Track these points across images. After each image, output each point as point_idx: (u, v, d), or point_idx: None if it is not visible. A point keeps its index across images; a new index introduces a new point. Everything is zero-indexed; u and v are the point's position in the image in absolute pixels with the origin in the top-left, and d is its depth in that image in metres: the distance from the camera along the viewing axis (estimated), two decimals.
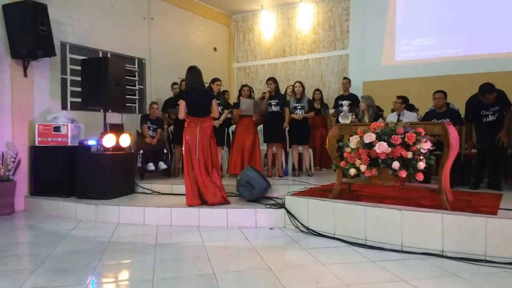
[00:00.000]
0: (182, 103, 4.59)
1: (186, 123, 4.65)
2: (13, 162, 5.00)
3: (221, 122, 5.86)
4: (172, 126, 6.63)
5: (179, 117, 4.76)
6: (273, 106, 5.94)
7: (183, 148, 4.67)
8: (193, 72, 4.68)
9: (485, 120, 4.98)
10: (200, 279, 2.75)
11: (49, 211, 4.98)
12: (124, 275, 3.00)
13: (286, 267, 3.04)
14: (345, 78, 7.26)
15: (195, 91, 4.61)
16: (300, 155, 6.37)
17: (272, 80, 6.07)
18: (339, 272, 2.85)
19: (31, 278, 2.78)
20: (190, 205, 4.47)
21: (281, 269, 2.93)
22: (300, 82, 6.26)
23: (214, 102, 4.73)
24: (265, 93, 6.16)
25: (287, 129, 6.08)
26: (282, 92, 6.66)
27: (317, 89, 7.23)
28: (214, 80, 6.11)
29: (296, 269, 2.99)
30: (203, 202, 4.50)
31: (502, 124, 4.87)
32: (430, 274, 2.85)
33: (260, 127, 6.19)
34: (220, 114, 5.72)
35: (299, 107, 6.08)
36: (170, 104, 6.57)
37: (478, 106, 5.00)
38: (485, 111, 4.96)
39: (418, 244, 3.30)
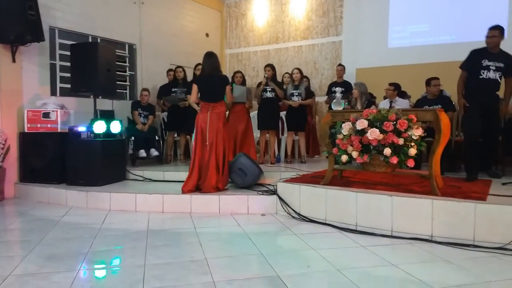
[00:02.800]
0: (194, 87, 4.65)
1: (199, 108, 4.68)
2: (2, 148, 4.95)
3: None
4: (166, 113, 6.59)
5: (190, 100, 4.86)
6: (268, 93, 5.91)
7: (195, 133, 4.65)
8: (210, 58, 4.67)
9: (483, 75, 4.39)
10: (192, 265, 2.76)
11: (39, 198, 4.95)
12: (115, 261, 2.99)
13: (278, 252, 3.06)
14: (339, 65, 7.20)
15: (210, 76, 4.61)
16: (294, 142, 6.37)
17: (270, 66, 6.03)
18: (330, 257, 2.88)
19: (21, 264, 2.77)
20: (185, 190, 4.45)
21: (272, 255, 2.95)
22: (298, 69, 6.22)
23: (228, 88, 4.72)
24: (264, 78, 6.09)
25: (281, 116, 6.04)
26: (279, 79, 6.59)
27: (305, 76, 7.19)
28: (197, 65, 6.03)
29: (288, 254, 3.01)
30: (198, 189, 4.51)
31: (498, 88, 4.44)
32: (420, 258, 2.89)
33: (254, 113, 6.16)
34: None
35: (296, 94, 6.06)
36: (164, 91, 6.51)
37: (481, 54, 4.42)
38: (488, 61, 4.37)
39: (408, 229, 3.34)
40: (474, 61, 4.46)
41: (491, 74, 4.37)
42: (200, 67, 5.92)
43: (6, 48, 5.09)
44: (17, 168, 5.28)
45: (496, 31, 4.33)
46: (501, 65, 4.37)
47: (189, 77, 6.52)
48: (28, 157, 5.23)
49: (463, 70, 4.56)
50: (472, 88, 4.47)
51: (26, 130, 5.25)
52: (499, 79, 4.42)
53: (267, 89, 5.91)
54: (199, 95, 4.67)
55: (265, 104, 5.94)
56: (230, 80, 6.46)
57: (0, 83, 5.05)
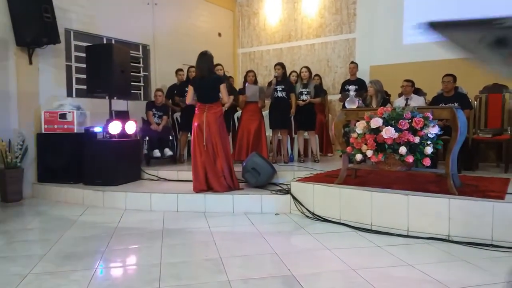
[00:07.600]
0: (190, 89, 4.61)
1: (196, 109, 4.64)
2: (20, 149, 5.04)
3: (226, 108, 5.80)
4: (179, 113, 6.64)
5: (186, 102, 4.81)
6: (279, 92, 5.89)
7: (192, 134, 4.66)
8: (203, 57, 4.60)
9: None
10: (207, 264, 2.78)
11: (57, 198, 5.04)
12: (132, 259, 3.03)
13: (292, 252, 3.06)
14: (352, 62, 7.15)
15: (204, 77, 4.56)
16: (306, 141, 6.35)
17: (280, 65, 6.00)
18: (345, 257, 2.86)
19: (40, 263, 2.82)
20: (196, 191, 4.49)
21: (287, 254, 2.95)
22: (307, 67, 6.19)
23: (223, 87, 4.61)
24: (274, 78, 6.08)
25: (293, 115, 6.03)
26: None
27: (317, 74, 7.15)
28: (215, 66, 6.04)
29: (302, 254, 3.01)
30: (210, 188, 4.52)
31: None
32: (437, 258, 2.85)
33: (266, 112, 6.16)
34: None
35: (305, 93, 6.03)
36: (178, 91, 6.55)
37: None
38: None
39: (424, 229, 3.30)
40: None
41: None
42: (193, 69, 5.97)
43: (23, 50, 5.19)
44: (34, 168, 5.38)
45: None
46: None
47: None
48: (46, 157, 5.32)
49: None
50: None
51: (43, 131, 5.34)
52: None
53: (278, 89, 5.89)
54: (195, 96, 4.60)
55: (277, 103, 5.91)
56: (243, 79, 6.51)
57: (18, 85, 5.15)
